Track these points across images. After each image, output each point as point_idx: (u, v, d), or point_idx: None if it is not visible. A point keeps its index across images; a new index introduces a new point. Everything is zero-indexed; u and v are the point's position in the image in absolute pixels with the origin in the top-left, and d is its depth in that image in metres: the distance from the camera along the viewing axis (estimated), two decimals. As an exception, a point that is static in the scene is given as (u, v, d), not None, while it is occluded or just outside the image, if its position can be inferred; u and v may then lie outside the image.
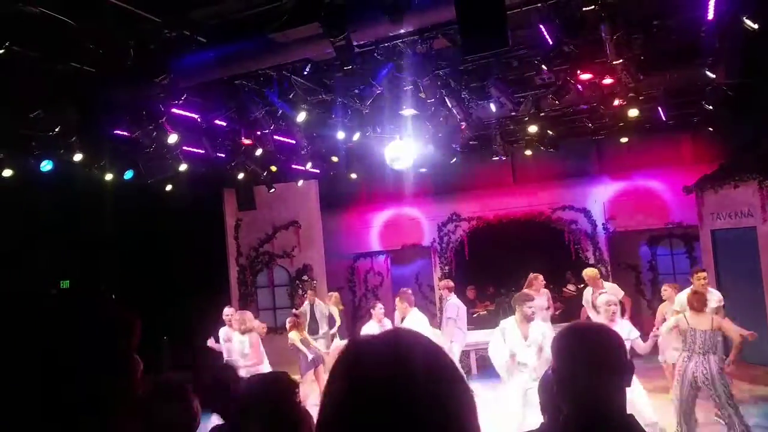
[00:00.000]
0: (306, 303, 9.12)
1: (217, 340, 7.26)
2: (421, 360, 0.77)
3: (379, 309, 6.72)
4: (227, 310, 7.35)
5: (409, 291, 8.05)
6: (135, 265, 8.98)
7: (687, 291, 6.11)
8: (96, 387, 0.90)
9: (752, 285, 7.98)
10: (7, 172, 6.73)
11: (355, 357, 0.80)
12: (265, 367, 6.37)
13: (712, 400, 5.08)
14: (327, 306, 9.12)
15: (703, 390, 5.11)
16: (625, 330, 4.96)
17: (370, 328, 6.56)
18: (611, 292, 6.99)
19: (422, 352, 0.78)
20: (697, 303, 5.21)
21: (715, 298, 6.16)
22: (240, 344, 6.46)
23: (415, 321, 6.60)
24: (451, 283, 8.21)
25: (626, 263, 10.92)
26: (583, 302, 7.65)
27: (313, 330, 8.69)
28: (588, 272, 7.64)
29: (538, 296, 7.14)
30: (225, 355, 7.06)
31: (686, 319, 5.23)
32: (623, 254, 10.89)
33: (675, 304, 6.18)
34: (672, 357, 6.38)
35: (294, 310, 8.89)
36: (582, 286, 10.58)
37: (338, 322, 9.03)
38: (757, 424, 6.03)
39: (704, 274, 6.33)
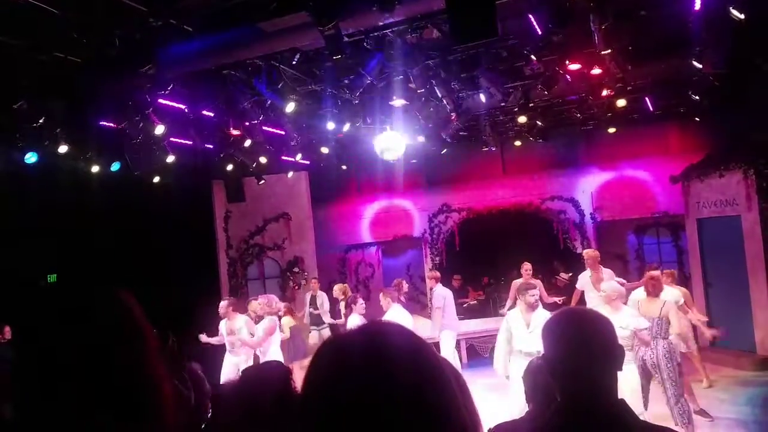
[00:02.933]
0: (309, 293, 9.11)
1: (209, 335, 7.22)
2: (397, 350, 0.76)
3: (360, 304, 6.70)
4: (224, 303, 7.26)
5: (404, 283, 8.04)
6: (123, 258, 8.90)
7: (640, 291, 6.16)
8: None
9: (737, 273, 8.11)
10: (-9, 165, 6.61)
11: (332, 349, 0.79)
12: (273, 355, 6.38)
13: (660, 385, 5.22)
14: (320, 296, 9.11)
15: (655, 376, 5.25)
16: (631, 318, 4.98)
17: (352, 321, 6.57)
18: (608, 277, 7.05)
19: (399, 343, 0.78)
20: (653, 288, 5.38)
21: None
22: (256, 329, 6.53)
23: (396, 316, 6.60)
24: (438, 274, 8.27)
25: (613, 252, 11.03)
26: (579, 285, 7.55)
27: (317, 321, 8.72)
28: (590, 253, 7.58)
29: None
30: (228, 347, 7.04)
31: (638, 309, 5.35)
32: (610, 243, 11.01)
33: (630, 303, 6.25)
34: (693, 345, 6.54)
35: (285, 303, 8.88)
36: (570, 275, 10.71)
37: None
38: (742, 410, 6.18)
39: (657, 272, 6.18)
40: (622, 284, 5.88)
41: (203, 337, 7.20)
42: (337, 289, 8.78)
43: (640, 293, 5.75)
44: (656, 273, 5.63)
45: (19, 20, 4.24)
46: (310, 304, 8.97)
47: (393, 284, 7.71)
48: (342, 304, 8.86)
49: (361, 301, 6.73)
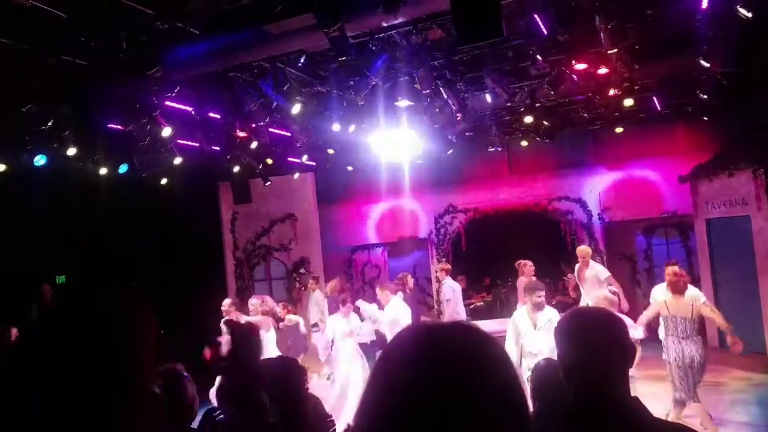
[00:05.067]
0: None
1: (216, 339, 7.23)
2: (487, 345, 0.80)
3: (347, 306, 6.66)
4: (227, 301, 7.31)
5: (410, 278, 7.98)
6: (130, 260, 8.98)
7: (661, 285, 6.12)
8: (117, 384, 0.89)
9: (746, 273, 8.03)
10: (0, 167, 6.69)
11: (438, 347, 0.79)
12: (271, 354, 6.39)
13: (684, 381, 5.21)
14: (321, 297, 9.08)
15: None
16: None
17: (337, 322, 6.52)
18: (598, 271, 7.41)
19: (487, 338, 0.82)
20: (678, 285, 5.34)
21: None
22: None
23: (396, 308, 6.61)
24: (449, 266, 8.31)
25: (622, 253, 10.97)
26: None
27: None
28: (583, 250, 7.89)
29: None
30: (224, 348, 7.02)
31: (666, 309, 5.33)
32: (619, 244, 10.94)
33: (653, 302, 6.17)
34: None
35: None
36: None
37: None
38: (751, 412, 6.11)
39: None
40: (614, 293, 5.85)
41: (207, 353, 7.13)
42: (328, 286, 8.70)
43: (662, 293, 5.63)
44: (678, 269, 5.52)
45: (27, 24, 4.28)
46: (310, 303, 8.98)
47: (398, 277, 7.65)
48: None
49: (348, 305, 6.66)
